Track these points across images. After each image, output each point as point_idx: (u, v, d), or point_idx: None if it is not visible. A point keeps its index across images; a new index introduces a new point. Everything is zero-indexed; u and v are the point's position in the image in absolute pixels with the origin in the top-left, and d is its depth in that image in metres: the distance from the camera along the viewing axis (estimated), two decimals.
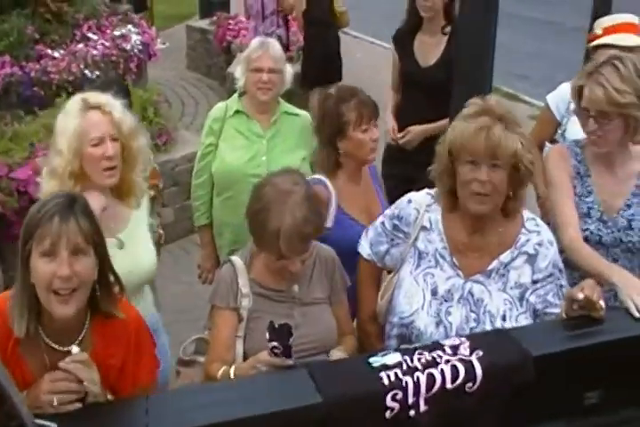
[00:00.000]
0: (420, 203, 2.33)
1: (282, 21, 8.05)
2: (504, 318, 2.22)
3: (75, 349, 1.84)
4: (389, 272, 2.48)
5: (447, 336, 2.21)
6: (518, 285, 2.26)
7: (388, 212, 2.43)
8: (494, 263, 2.25)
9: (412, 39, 3.85)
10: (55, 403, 1.74)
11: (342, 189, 2.77)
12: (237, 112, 3.32)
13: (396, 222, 2.37)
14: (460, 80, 3.58)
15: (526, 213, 2.33)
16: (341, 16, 6.91)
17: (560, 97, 3.30)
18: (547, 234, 2.31)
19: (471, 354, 1.92)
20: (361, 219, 2.78)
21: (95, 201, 2.30)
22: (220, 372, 2.21)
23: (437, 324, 2.24)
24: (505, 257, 2.25)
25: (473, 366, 1.89)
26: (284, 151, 3.28)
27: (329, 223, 2.66)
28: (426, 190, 2.41)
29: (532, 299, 2.27)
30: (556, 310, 2.23)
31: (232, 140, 3.30)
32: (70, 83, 6.81)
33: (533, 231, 2.29)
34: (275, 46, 3.32)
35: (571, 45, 7.16)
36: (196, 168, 3.36)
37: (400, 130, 3.91)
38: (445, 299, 2.26)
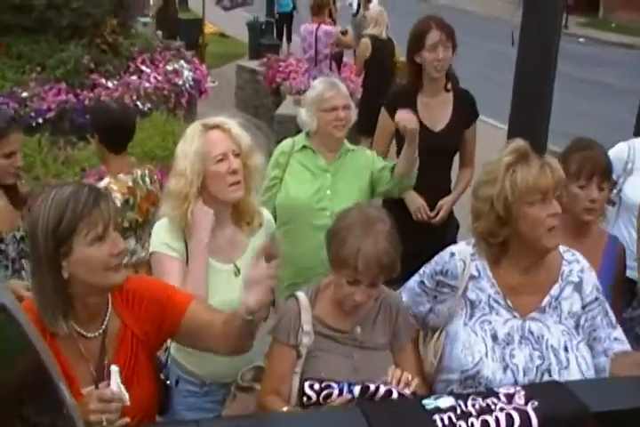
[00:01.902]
0: (464, 254, 2.33)
1: (334, 65, 8.22)
2: (566, 349, 2.22)
3: (114, 367, 1.84)
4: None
5: (515, 379, 2.18)
6: (572, 314, 2.28)
7: (426, 270, 2.42)
8: (546, 299, 2.27)
9: (412, 102, 3.54)
10: (105, 424, 1.74)
11: None
12: (304, 147, 3.37)
13: (441, 278, 2.36)
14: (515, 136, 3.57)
15: (561, 246, 2.35)
16: (402, 66, 7.05)
17: (618, 156, 3.29)
18: (584, 261, 2.36)
19: (526, 404, 1.87)
20: None
21: (208, 215, 2.37)
22: (274, 407, 2.19)
23: (505, 368, 2.21)
24: (555, 291, 2.28)
25: (528, 416, 1.83)
26: (347, 186, 3.29)
27: None
28: (464, 241, 2.42)
29: (582, 320, 2.29)
30: (603, 334, 2.27)
31: (297, 174, 3.33)
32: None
33: (573, 261, 2.34)
34: (341, 84, 3.39)
35: (620, 106, 7.18)
36: (260, 199, 3.38)
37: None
38: (507, 342, 2.23)
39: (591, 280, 2.32)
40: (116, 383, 1.80)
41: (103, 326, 1.96)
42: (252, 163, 2.47)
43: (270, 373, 2.33)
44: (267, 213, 2.69)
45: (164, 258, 2.40)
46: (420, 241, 2.89)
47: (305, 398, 2.11)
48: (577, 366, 2.20)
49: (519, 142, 2.27)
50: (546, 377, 2.18)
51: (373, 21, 7.82)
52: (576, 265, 2.32)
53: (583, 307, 2.29)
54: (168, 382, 2.54)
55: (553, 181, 2.17)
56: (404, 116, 3.18)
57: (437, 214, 3.68)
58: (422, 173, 3.58)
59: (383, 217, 2.29)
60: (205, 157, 2.37)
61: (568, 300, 2.28)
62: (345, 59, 9.31)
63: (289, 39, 13.66)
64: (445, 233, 3.59)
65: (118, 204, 3.41)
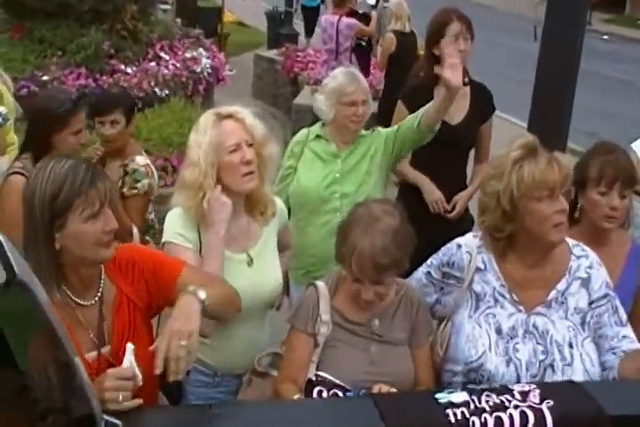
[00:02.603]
0: (471, 246, 2.34)
1: (355, 58, 8.19)
2: (571, 346, 2.22)
3: (130, 346, 1.86)
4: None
5: (518, 374, 2.18)
6: (578, 310, 2.27)
7: (433, 262, 2.43)
8: (552, 293, 2.27)
9: (430, 95, 3.37)
10: (121, 399, 1.75)
11: None
12: (318, 137, 3.36)
13: (447, 269, 2.37)
14: (536, 133, 3.53)
15: (570, 240, 2.35)
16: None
17: None
18: (594, 256, 2.34)
19: (541, 402, 1.86)
20: None
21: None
22: (289, 395, 2.19)
23: (507, 362, 2.21)
24: (561, 285, 2.28)
25: (543, 414, 1.83)
26: (356, 165, 3.29)
27: None
28: (471, 233, 2.43)
29: (589, 317, 2.28)
30: (611, 332, 2.25)
31: (310, 162, 3.33)
32: (140, 99, 6.99)
33: (582, 256, 2.32)
34: (362, 78, 3.34)
35: None
36: (275, 189, 3.38)
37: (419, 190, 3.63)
38: (511, 336, 2.24)
39: (600, 276, 2.30)
40: (129, 361, 1.81)
41: (99, 294, 1.99)
42: (266, 152, 2.44)
43: (288, 360, 2.34)
44: (280, 203, 2.67)
45: (177, 248, 2.38)
46: (434, 232, 2.87)
47: None
48: (581, 364, 2.19)
49: (527, 137, 2.27)
50: (549, 373, 2.19)
51: (394, 16, 7.78)
52: (585, 260, 2.31)
53: (590, 303, 2.28)
54: None
55: (560, 176, 2.16)
56: (452, 70, 2.91)
57: (453, 209, 3.66)
58: (439, 167, 3.57)
59: (392, 212, 2.24)
60: (219, 148, 2.35)
61: (575, 295, 2.27)
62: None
63: (310, 33, 12.07)
64: (461, 227, 3.58)
65: (156, 179, 3.62)
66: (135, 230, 3.39)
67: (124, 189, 3.44)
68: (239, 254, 2.47)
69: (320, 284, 2.35)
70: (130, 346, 1.84)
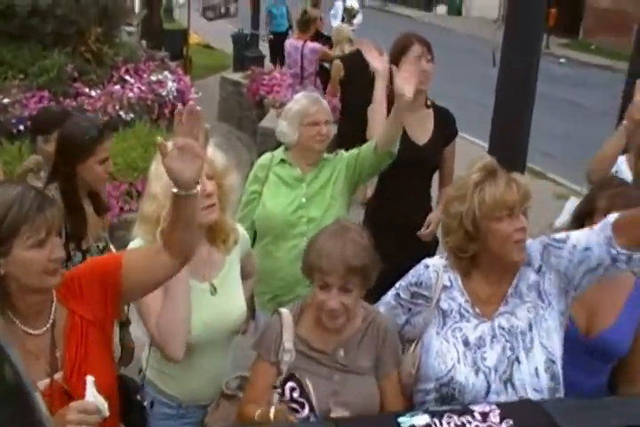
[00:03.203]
0: (437, 265, 2.40)
1: (319, 81, 8.24)
2: (530, 327, 2.28)
3: (89, 378, 1.83)
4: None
5: (488, 381, 2.23)
6: (529, 286, 2.32)
7: (402, 283, 2.47)
8: (509, 292, 2.33)
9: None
10: None
11: None
12: (282, 161, 3.38)
13: (416, 289, 2.41)
14: (495, 155, 3.59)
15: None
16: None
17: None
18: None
19: (501, 422, 1.89)
20: None
21: None
22: (258, 412, 2.18)
23: (476, 372, 2.25)
24: (515, 281, 2.34)
25: None
26: (321, 190, 3.32)
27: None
28: (438, 255, 2.48)
29: (547, 282, 2.30)
30: (565, 247, 2.25)
31: (274, 187, 3.34)
32: (105, 122, 6.96)
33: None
34: (323, 100, 3.42)
35: (598, 127, 7.30)
36: (239, 215, 3.39)
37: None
38: (478, 346, 2.29)
39: (532, 244, 2.32)
40: (92, 395, 1.78)
41: (50, 321, 1.95)
42: (227, 183, 2.44)
43: (251, 387, 2.34)
44: (242, 230, 2.67)
45: None
46: (401, 255, 2.91)
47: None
48: (539, 343, 2.26)
49: (486, 159, 2.34)
50: (515, 366, 2.24)
51: (335, 43, 7.85)
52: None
53: (538, 270, 2.32)
54: (145, 403, 2.50)
55: (519, 196, 2.24)
56: (405, 82, 3.11)
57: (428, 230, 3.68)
58: (405, 189, 3.62)
59: (358, 229, 2.33)
60: None
61: (524, 278, 2.33)
62: None
63: (282, 62, 11.08)
64: (427, 248, 3.62)
65: None
66: None
67: None
68: (202, 284, 2.46)
69: (284, 311, 2.35)
70: (90, 378, 1.81)
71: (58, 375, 1.93)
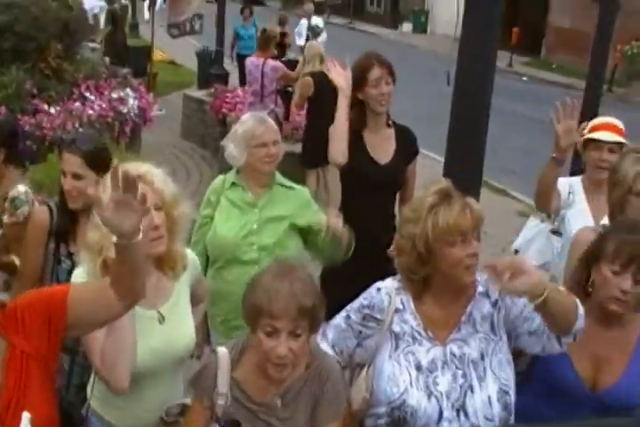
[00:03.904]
0: (390, 288, 2.37)
1: (280, 100, 8.23)
2: (482, 357, 2.27)
3: (25, 414, 1.77)
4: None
5: (440, 406, 2.21)
6: (484, 317, 2.31)
7: (353, 305, 2.41)
8: (463, 318, 2.31)
9: (359, 137, 3.60)
10: None
11: None
12: (233, 184, 3.33)
13: (367, 312, 2.36)
14: (451, 175, 3.59)
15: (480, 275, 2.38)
16: None
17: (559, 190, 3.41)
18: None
19: None
20: None
21: None
22: None
23: (429, 396, 2.23)
24: (469, 308, 2.32)
25: None
26: (275, 219, 3.27)
27: None
28: (390, 278, 2.43)
29: (501, 316, 2.29)
30: (519, 306, 2.24)
31: (226, 211, 3.29)
32: (63, 140, 6.85)
33: (481, 279, 2.33)
34: (270, 120, 3.39)
35: None
36: (193, 239, 3.33)
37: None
38: (430, 370, 2.26)
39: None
40: None
41: None
42: (176, 213, 2.38)
43: (187, 425, 2.26)
44: (191, 255, 2.60)
45: None
46: (366, 279, 2.87)
47: None
48: (492, 373, 2.25)
49: (442, 182, 2.33)
50: (469, 394, 2.22)
51: (306, 59, 7.81)
52: (479, 279, 2.31)
53: (494, 304, 2.31)
54: None
55: (472, 221, 2.22)
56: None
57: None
58: (368, 209, 3.59)
59: (303, 267, 2.21)
60: None
61: (479, 307, 2.32)
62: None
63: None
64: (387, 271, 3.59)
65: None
66: (17, 261, 3.20)
67: (4, 217, 3.28)
68: (149, 311, 2.39)
69: (222, 352, 2.23)
70: (26, 415, 1.75)
71: None
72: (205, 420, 2.18)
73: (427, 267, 2.26)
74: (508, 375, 2.26)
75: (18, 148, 3.71)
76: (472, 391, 2.23)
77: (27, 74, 7.52)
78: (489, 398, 2.21)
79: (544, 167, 3.37)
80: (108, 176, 1.95)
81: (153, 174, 2.34)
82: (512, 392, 2.25)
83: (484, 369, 2.25)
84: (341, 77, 3.49)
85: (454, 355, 2.28)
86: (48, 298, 1.98)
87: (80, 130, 7.24)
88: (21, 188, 3.39)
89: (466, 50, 3.44)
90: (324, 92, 7.29)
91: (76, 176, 2.86)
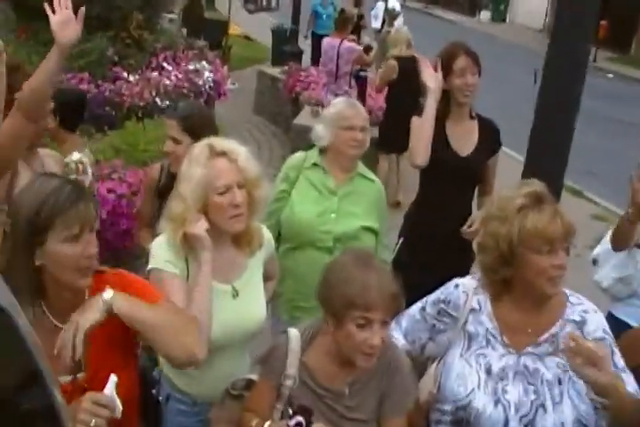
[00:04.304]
0: (468, 286, 2.33)
1: (354, 82, 8.21)
2: (559, 382, 2.19)
3: (113, 377, 1.83)
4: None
5: (506, 415, 2.15)
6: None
7: (430, 297, 2.40)
8: (545, 335, 2.24)
9: (442, 127, 3.58)
10: (93, 424, 1.72)
11: None
12: (315, 165, 3.33)
13: (443, 306, 2.34)
14: (532, 171, 3.51)
15: (567, 290, 2.32)
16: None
17: None
18: (589, 304, 2.30)
19: None
20: None
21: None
22: (254, 424, 2.16)
23: (496, 402, 2.19)
24: (555, 329, 2.24)
25: None
26: (353, 214, 3.26)
27: None
28: (470, 275, 2.41)
29: None
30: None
31: (305, 192, 3.29)
32: (141, 108, 7.00)
33: (577, 304, 2.29)
34: (362, 107, 3.38)
35: None
36: (266, 209, 3.37)
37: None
38: (501, 377, 2.21)
39: (595, 320, 2.26)
40: (110, 392, 1.78)
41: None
42: (257, 193, 2.40)
43: (252, 399, 2.28)
44: (267, 233, 2.62)
45: (165, 275, 2.33)
46: (439, 269, 2.87)
47: None
48: (569, 400, 2.17)
49: (536, 185, 2.24)
50: (540, 412, 2.16)
51: (393, 42, 7.82)
52: (580, 306, 2.28)
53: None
54: (160, 398, 2.48)
55: (563, 231, 2.13)
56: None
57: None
58: (446, 200, 3.57)
59: (372, 254, 2.23)
60: (208, 187, 2.30)
61: (564, 335, 2.21)
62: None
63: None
64: (466, 263, 3.58)
65: (90, 177, 3.57)
66: None
67: None
68: (224, 285, 2.42)
69: (293, 334, 2.23)
70: (113, 378, 1.79)
71: (80, 375, 1.93)
72: (271, 398, 2.21)
73: (508, 269, 2.19)
74: (589, 411, 2.16)
75: (82, 116, 3.87)
76: (545, 411, 2.15)
77: (109, 42, 7.67)
78: (562, 424, 2.13)
79: (619, 223, 3.23)
80: None
81: (238, 153, 2.36)
82: None
83: (561, 394, 2.17)
84: (432, 79, 3.46)
85: (527, 368, 2.21)
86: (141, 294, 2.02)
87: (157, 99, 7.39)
88: (76, 155, 3.48)
89: (557, 45, 3.38)
90: (406, 77, 7.29)
91: (175, 140, 3.08)
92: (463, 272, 2.90)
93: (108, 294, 1.90)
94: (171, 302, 2.14)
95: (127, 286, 2.01)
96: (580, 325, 2.25)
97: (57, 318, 1.93)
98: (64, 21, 2.64)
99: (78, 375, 1.92)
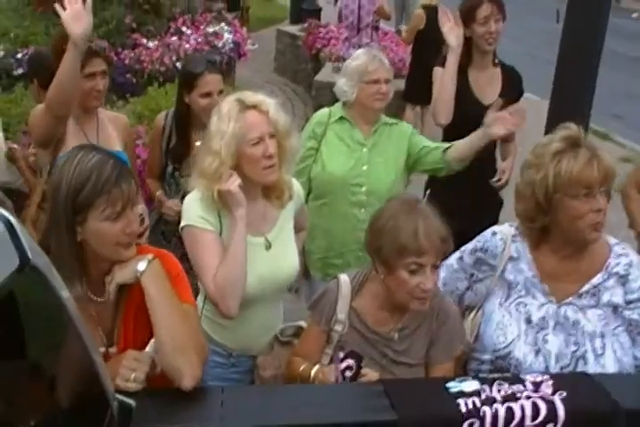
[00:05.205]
0: (506, 234, 2.30)
1: (375, 35, 8.09)
2: (602, 335, 2.18)
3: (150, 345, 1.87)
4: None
5: (547, 364, 2.16)
6: (611, 303, 2.20)
7: (468, 247, 2.38)
8: (586, 286, 2.21)
9: (464, 75, 3.54)
10: (132, 378, 1.79)
11: None
12: (341, 118, 3.31)
13: (481, 255, 2.33)
14: (557, 116, 3.45)
15: (612, 239, 2.29)
16: None
17: None
18: (635, 256, 2.26)
19: (554, 394, 1.84)
20: None
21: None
22: (303, 367, 2.21)
23: (537, 352, 2.19)
24: (596, 280, 2.21)
25: (555, 406, 1.81)
26: (384, 162, 3.25)
27: None
28: (508, 223, 2.38)
29: (628, 314, 2.19)
30: None
31: (334, 146, 3.28)
32: (162, 73, 6.99)
33: (622, 255, 2.24)
34: (384, 58, 3.33)
35: None
36: (294, 169, 3.37)
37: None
38: (541, 327, 2.21)
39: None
40: (151, 350, 1.85)
41: (116, 290, 1.94)
42: (288, 144, 2.42)
43: (301, 344, 2.34)
44: (297, 185, 2.63)
45: (199, 231, 2.37)
46: (469, 220, 2.86)
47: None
48: (612, 353, 2.16)
49: (572, 129, 2.18)
50: (580, 364, 2.15)
51: None
52: (624, 259, 2.22)
53: (628, 303, 2.20)
54: None
55: (599, 175, 2.08)
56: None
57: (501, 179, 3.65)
58: None
59: (418, 199, 2.24)
60: (241, 139, 2.32)
61: (610, 290, 2.20)
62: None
63: None
64: (490, 212, 3.58)
65: None
66: None
67: None
68: (257, 238, 2.45)
69: (344, 280, 2.27)
70: (153, 341, 1.86)
71: (113, 349, 1.95)
72: (320, 343, 2.26)
73: (545, 217, 2.16)
74: (632, 365, 2.16)
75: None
76: (585, 363, 2.15)
77: (127, 9, 7.63)
78: None
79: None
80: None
81: (268, 104, 2.37)
82: None
83: (604, 347, 2.16)
84: (453, 34, 3.40)
85: (567, 319, 2.20)
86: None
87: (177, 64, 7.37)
88: None
89: None
90: (432, 28, 7.15)
91: (221, 92, 3.20)
92: (492, 219, 2.89)
93: (142, 264, 1.89)
94: (193, 310, 2.05)
95: (164, 268, 1.97)
96: (624, 279, 2.21)
97: (94, 292, 1.95)
98: (74, 15, 2.70)
99: (110, 350, 1.95)
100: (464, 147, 3.15)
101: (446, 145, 3.21)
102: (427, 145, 3.25)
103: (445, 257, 2.23)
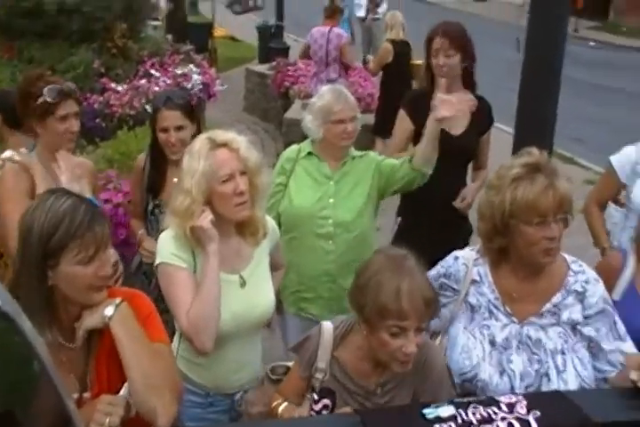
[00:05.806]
0: (467, 258, 2.35)
1: (343, 70, 8.22)
2: (563, 352, 2.21)
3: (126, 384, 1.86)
4: None
5: (512, 384, 2.18)
6: (570, 320, 2.25)
7: (431, 272, 2.39)
8: (547, 306, 2.26)
9: (429, 104, 3.33)
10: (107, 423, 1.75)
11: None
12: (309, 154, 3.34)
13: (444, 280, 2.36)
14: (521, 143, 3.51)
15: (569, 256, 2.34)
16: (418, 69, 7.07)
17: (627, 158, 3.27)
18: (591, 273, 2.31)
19: (528, 413, 1.86)
20: None
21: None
22: (274, 404, 2.23)
23: (501, 373, 2.22)
24: (556, 299, 2.26)
25: (530, 426, 1.84)
26: (349, 192, 3.28)
27: (616, 296, 2.50)
28: (469, 247, 2.43)
29: (586, 331, 2.24)
30: (608, 346, 2.23)
31: (301, 181, 3.31)
32: (131, 116, 7.02)
33: (579, 272, 2.30)
34: (349, 94, 3.33)
35: (631, 111, 7.14)
36: (265, 204, 3.37)
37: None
38: (505, 347, 2.24)
39: (597, 292, 2.27)
40: (126, 392, 1.83)
41: (85, 335, 1.93)
42: (259, 181, 2.44)
43: (282, 388, 2.33)
44: (271, 222, 2.66)
45: (172, 269, 2.37)
46: (437, 247, 2.89)
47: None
48: (573, 369, 2.20)
49: (534, 155, 2.21)
50: (545, 381, 2.19)
51: (389, 26, 7.93)
52: (581, 276, 2.29)
53: (586, 317, 2.26)
54: None
55: (554, 204, 2.11)
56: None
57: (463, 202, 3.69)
58: (440, 179, 3.52)
59: (405, 253, 2.10)
60: (212, 177, 2.34)
61: (569, 308, 2.26)
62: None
63: None
64: (462, 238, 3.61)
65: None
66: None
67: None
68: (231, 275, 2.46)
69: (326, 327, 2.22)
70: (126, 385, 1.84)
71: (87, 395, 1.93)
72: (301, 386, 2.24)
73: (503, 239, 2.20)
74: (592, 379, 2.19)
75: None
76: (549, 380, 2.18)
77: (94, 54, 7.70)
78: None
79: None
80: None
81: (239, 142, 2.40)
82: None
83: (565, 363, 2.19)
84: (445, 108, 3.13)
85: (530, 338, 2.23)
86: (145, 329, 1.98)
87: (147, 107, 7.42)
88: (7, 154, 3.15)
89: (536, 16, 3.39)
90: (400, 61, 7.36)
91: (179, 128, 3.17)
92: (461, 246, 2.92)
93: (110, 309, 1.88)
94: (167, 348, 2.04)
95: (134, 309, 1.96)
96: (582, 296, 2.26)
97: (62, 336, 1.93)
98: None
99: (84, 394, 1.93)
100: (424, 146, 3.17)
101: (409, 157, 3.23)
102: (394, 164, 3.26)
103: (431, 319, 2.12)
